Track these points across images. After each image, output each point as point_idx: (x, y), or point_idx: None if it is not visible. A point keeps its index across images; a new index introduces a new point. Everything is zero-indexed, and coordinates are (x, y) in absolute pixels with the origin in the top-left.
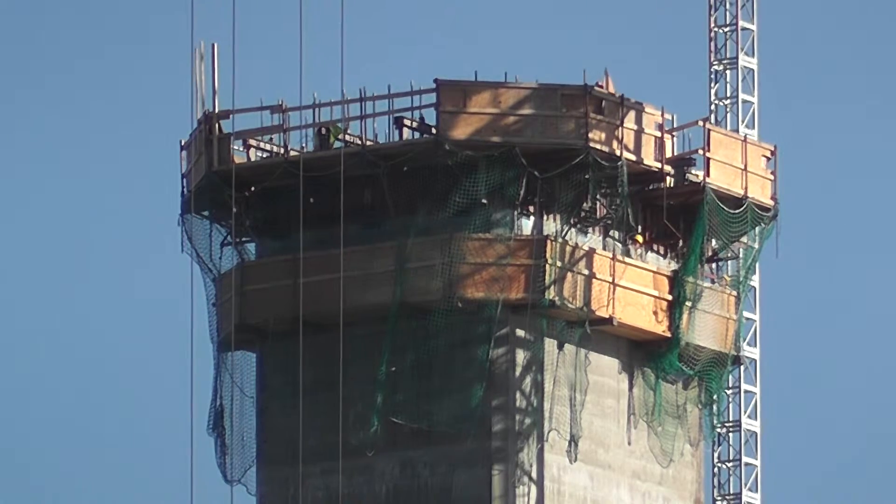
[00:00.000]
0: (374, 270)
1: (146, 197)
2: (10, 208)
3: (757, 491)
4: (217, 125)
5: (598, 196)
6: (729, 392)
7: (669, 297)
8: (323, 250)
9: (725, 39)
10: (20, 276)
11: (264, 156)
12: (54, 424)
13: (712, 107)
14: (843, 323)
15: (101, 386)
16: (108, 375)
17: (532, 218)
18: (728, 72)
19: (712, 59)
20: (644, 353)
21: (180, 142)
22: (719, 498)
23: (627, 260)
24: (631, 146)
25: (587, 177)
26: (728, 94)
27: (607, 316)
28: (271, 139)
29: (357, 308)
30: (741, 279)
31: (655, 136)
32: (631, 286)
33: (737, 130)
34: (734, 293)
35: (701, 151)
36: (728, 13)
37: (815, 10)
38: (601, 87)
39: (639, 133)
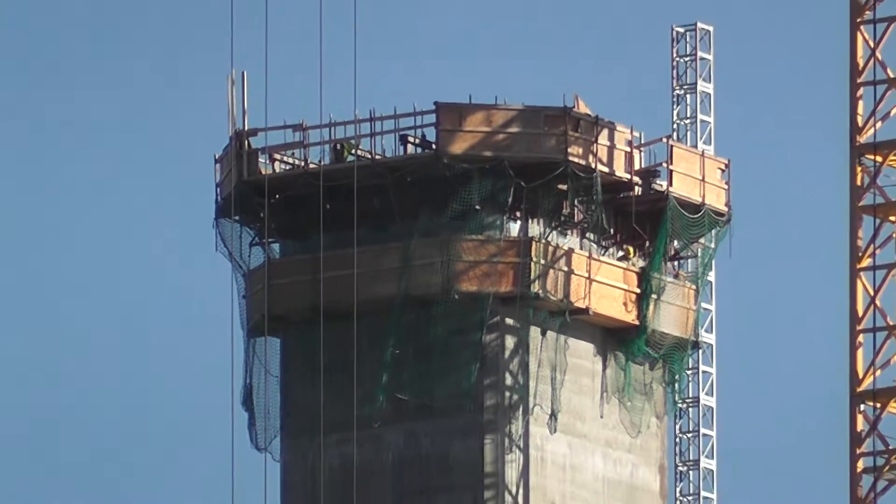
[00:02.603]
0: (382, 267)
1: (187, 203)
2: (77, 210)
3: (713, 458)
4: (246, 141)
5: (575, 203)
6: (689, 372)
7: (637, 291)
8: (338, 250)
9: (686, 68)
10: (82, 269)
11: (287, 168)
12: (113, 402)
13: (674, 126)
14: (786, 312)
15: (151, 366)
16: (156, 357)
17: (519, 222)
18: (688, 96)
19: (675, 84)
20: (615, 339)
21: (214, 156)
22: (680, 464)
23: (602, 258)
24: (604, 160)
25: (566, 186)
26: (688, 115)
27: (584, 307)
28: (293, 154)
29: (367, 300)
30: (699, 275)
31: (625, 151)
32: (604, 281)
33: (695, 146)
34: (693, 287)
35: (665, 164)
36: (688, 45)
37: (763, 43)
38: (573, 108)
39: (611, 148)
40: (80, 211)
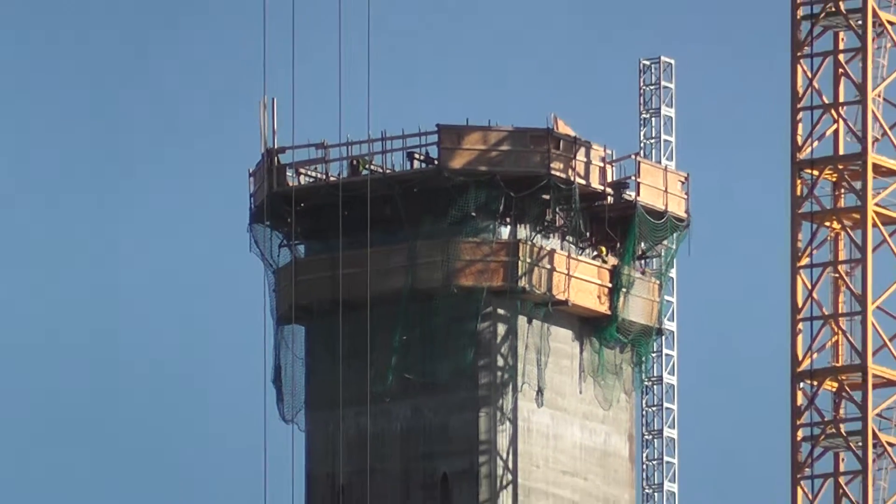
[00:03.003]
0: (391, 265)
1: (225, 211)
2: (134, 215)
3: (674, 428)
4: (276, 158)
5: (556, 210)
6: (653, 355)
7: (609, 285)
8: (353, 250)
9: (651, 95)
10: (140, 266)
11: (311, 181)
12: (164, 379)
13: (641, 144)
14: (737, 304)
15: (195, 349)
16: (199, 341)
17: (508, 226)
18: (653, 119)
19: (641, 109)
20: (591, 327)
21: (248, 170)
22: (646, 433)
23: (579, 258)
24: (581, 173)
25: (549, 196)
26: (653, 136)
27: (564, 299)
28: (316, 168)
29: (378, 293)
30: (663, 272)
31: (599, 166)
32: (581, 277)
33: (659, 162)
34: (658, 282)
35: (633, 177)
36: (653, 75)
37: (718, 74)
38: (554, 129)
39: (587, 164)
40: (136, 216)
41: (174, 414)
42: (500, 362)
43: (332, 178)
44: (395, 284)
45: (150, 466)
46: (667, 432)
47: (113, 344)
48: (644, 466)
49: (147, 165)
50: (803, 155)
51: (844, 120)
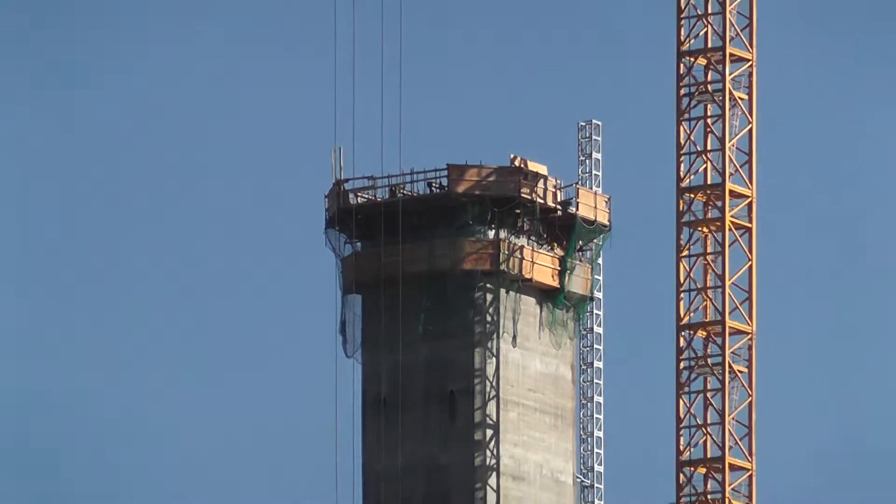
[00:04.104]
0: (417, 256)
1: (309, 220)
2: (247, 224)
3: (601, 361)
4: (342, 186)
5: (524, 220)
6: (587, 314)
7: (559, 269)
8: (392, 246)
9: (586, 144)
10: (252, 263)
11: (364, 200)
12: (263, 336)
13: (580, 176)
14: (641, 280)
15: (287, 314)
16: (291, 308)
17: (493, 230)
18: (587, 160)
19: (579, 153)
20: (547, 296)
21: (324, 193)
22: (583, 364)
23: (539, 251)
24: (541, 196)
25: (519, 211)
26: (587, 172)
27: (529, 277)
28: (367, 193)
29: (408, 274)
30: (593, 259)
31: (552, 191)
32: (540, 263)
33: (591, 188)
34: (590, 266)
35: (574, 198)
36: (588, 131)
37: (631, 131)
38: (524, 167)
39: (544, 190)
40: (250, 227)
41: (278, 352)
42: (488, 318)
43: (378, 199)
44: (419, 268)
45: (248, 385)
46: (595, 364)
47: (209, 310)
48: (581, 386)
49: (259, 194)
50: (684, 184)
51: (711, 161)
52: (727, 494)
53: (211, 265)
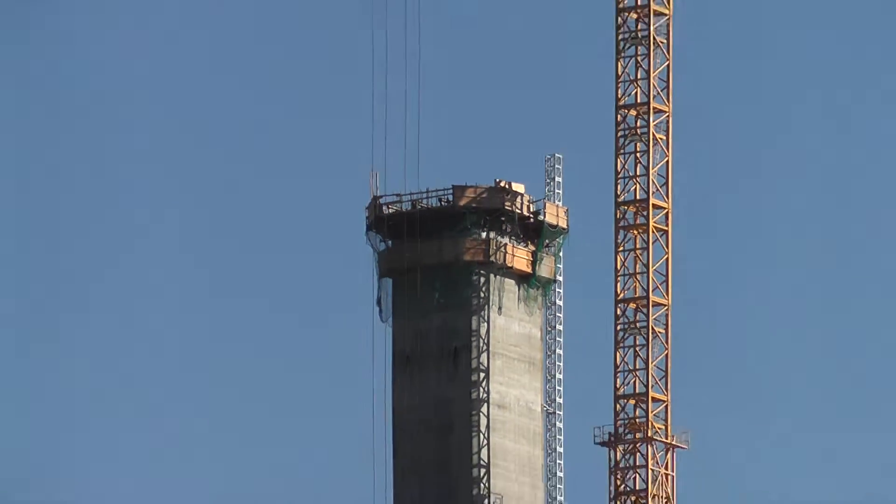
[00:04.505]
0: (431, 251)
1: (353, 226)
2: (308, 231)
3: (562, 325)
4: (377, 200)
5: (507, 225)
6: (552, 291)
7: (532, 259)
8: (413, 243)
9: (552, 170)
10: (320, 257)
11: (393, 211)
12: (319, 311)
13: (546, 194)
14: (588, 266)
15: (335, 293)
16: (339, 289)
17: (485, 232)
18: (552, 182)
19: (546, 178)
20: (523, 279)
21: (364, 206)
22: (548, 328)
23: (518, 246)
24: (519, 207)
25: (504, 218)
26: (553, 190)
27: (511, 266)
28: (396, 205)
29: (425, 264)
30: (557, 252)
31: (527, 204)
32: (519, 255)
33: (555, 202)
34: (554, 257)
35: (543, 210)
36: (553, 161)
37: (585, 160)
38: (507, 186)
39: (521, 203)
40: (312, 229)
41: (332, 319)
42: (482, 294)
43: (403, 210)
44: (432, 260)
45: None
46: (557, 327)
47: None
48: (547, 342)
49: (317, 206)
50: (620, 199)
51: (639, 183)
52: (650, 419)
53: (284, 260)
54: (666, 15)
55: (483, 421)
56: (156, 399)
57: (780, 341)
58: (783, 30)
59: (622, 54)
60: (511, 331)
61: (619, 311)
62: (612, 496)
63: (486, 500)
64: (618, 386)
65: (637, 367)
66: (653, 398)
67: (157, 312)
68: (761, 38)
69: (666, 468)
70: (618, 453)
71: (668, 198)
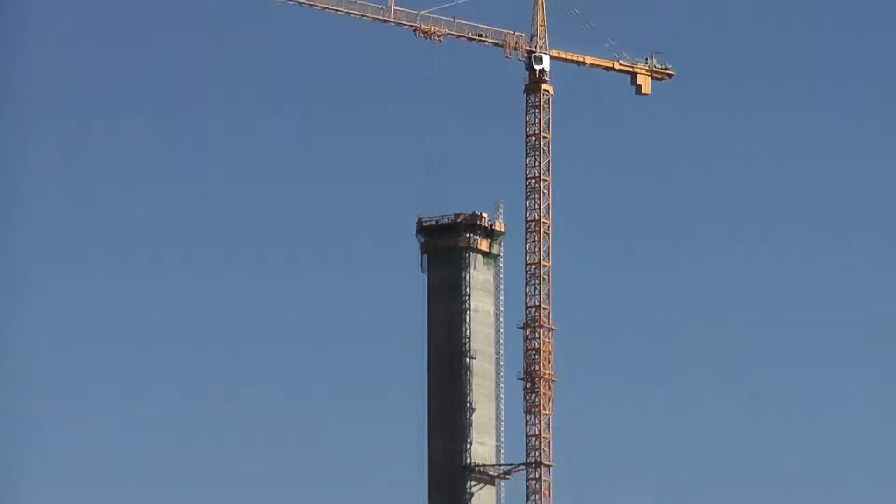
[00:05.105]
0: (444, 242)
1: (407, 232)
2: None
3: (503, 285)
4: (420, 218)
5: (478, 230)
6: (498, 261)
7: (489, 247)
8: (436, 239)
9: (497, 207)
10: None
11: (427, 224)
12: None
13: (496, 217)
14: (514, 249)
15: (390, 270)
16: (393, 267)
17: (468, 233)
18: (498, 210)
19: (495, 211)
20: (485, 254)
21: (414, 222)
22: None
23: (483, 240)
24: (486, 224)
25: (477, 228)
26: (498, 215)
27: (479, 248)
28: (427, 221)
29: (441, 247)
30: (500, 243)
31: (486, 221)
32: (483, 244)
33: (501, 219)
34: (499, 245)
35: (493, 225)
36: (499, 203)
37: (513, 205)
38: (477, 214)
39: (484, 221)
40: (377, 229)
41: (389, 284)
42: (466, 261)
43: (433, 223)
44: (445, 246)
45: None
46: (501, 284)
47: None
48: (496, 285)
49: (386, 223)
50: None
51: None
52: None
53: (352, 254)
54: None
55: (469, 315)
56: None
57: None
58: None
59: None
60: (479, 278)
61: (528, 291)
62: None
63: (467, 357)
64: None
65: None
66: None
67: None
68: None
69: None
70: None
71: (548, 215)
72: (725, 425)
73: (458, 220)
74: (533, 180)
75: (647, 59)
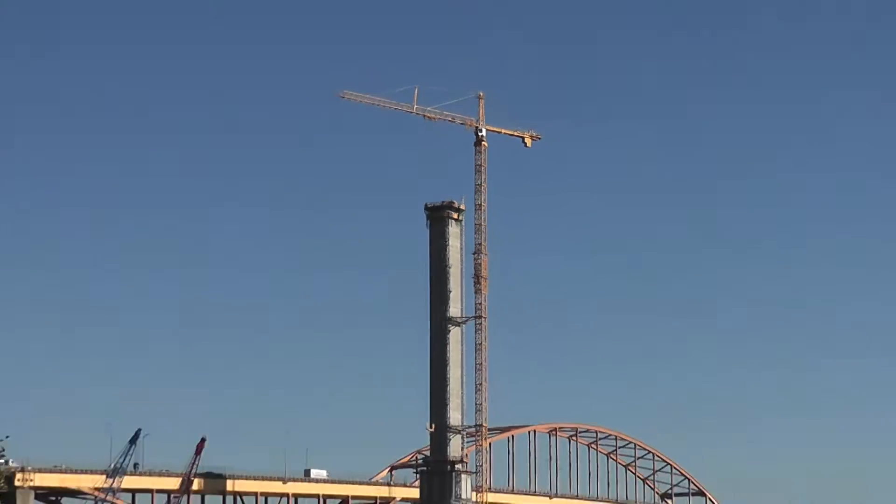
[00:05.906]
0: (435, 216)
1: (419, 211)
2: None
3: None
4: (427, 206)
5: (456, 210)
6: (462, 222)
7: (458, 216)
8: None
9: (460, 203)
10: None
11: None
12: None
13: (463, 202)
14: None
15: (414, 233)
16: (415, 232)
17: (447, 211)
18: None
19: (466, 197)
20: (458, 221)
21: (423, 208)
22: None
23: (455, 213)
24: (458, 206)
25: (455, 209)
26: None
27: (457, 217)
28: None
29: (435, 216)
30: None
31: (459, 205)
32: (455, 217)
33: (462, 204)
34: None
35: (461, 205)
36: (465, 202)
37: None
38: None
39: (457, 205)
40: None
41: (404, 253)
42: (449, 224)
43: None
44: (436, 216)
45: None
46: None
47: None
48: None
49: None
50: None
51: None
52: None
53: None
54: None
55: (448, 245)
56: None
57: None
58: None
59: None
60: (453, 230)
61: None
62: None
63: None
64: None
65: None
66: None
67: None
68: None
69: None
70: None
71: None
72: None
73: (443, 203)
74: (479, 186)
75: (529, 130)
